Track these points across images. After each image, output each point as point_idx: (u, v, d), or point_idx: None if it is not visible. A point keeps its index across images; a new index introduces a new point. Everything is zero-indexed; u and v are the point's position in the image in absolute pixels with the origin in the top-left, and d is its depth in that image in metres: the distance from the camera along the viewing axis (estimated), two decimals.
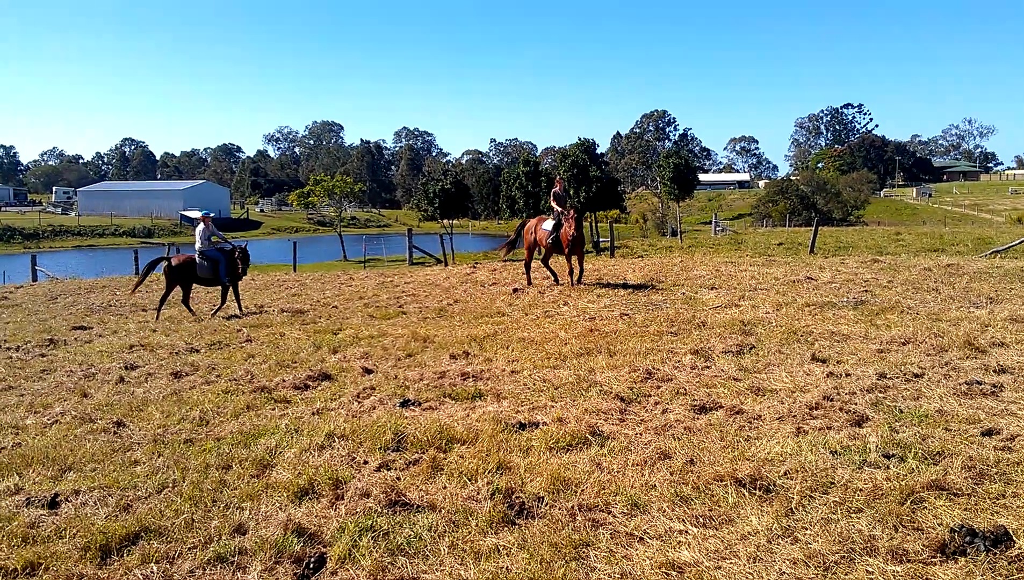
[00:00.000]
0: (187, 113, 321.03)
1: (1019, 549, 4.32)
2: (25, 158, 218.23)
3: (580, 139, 79.52)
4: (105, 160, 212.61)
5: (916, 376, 8.14)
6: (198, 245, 16.39)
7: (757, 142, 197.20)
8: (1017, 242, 26.31)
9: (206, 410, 7.94)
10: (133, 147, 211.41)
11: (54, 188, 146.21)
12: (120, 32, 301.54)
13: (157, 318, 15.66)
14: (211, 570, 4.56)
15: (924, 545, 4.43)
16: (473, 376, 9.03)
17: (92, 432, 7.37)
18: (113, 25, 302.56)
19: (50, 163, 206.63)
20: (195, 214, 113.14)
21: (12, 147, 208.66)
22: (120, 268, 37.17)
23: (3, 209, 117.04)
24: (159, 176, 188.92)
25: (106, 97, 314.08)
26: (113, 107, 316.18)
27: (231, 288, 16.53)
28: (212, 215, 17.40)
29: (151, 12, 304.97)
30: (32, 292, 22.55)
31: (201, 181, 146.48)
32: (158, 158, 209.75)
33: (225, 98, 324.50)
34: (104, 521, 5.21)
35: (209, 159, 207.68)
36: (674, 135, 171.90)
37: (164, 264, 16.46)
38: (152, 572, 4.54)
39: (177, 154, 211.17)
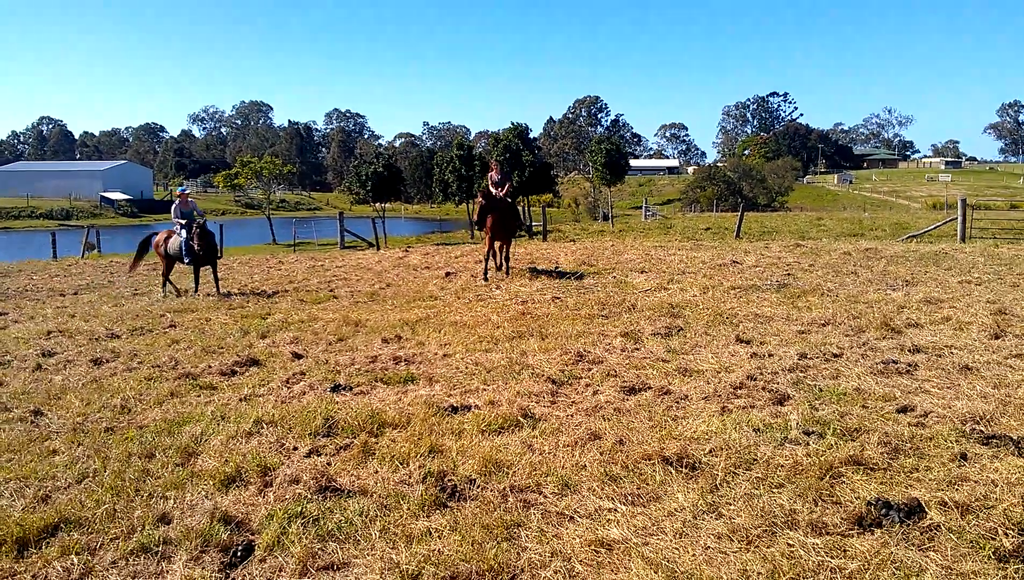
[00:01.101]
0: (108, 91, 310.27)
1: (931, 520, 4.52)
2: None
3: (513, 124, 79.59)
4: (21, 139, 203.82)
5: (835, 356, 8.43)
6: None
7: (687, 129, 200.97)
8: (932, 227, 27.38)
9: (128, 398, 7.70)
10: (51, 126, 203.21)
11: None
12: (37, 5, 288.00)
13: (164, 297, 15.71)
14: (134, 561, 4.45)
15: (842, 518, 4.60)
16: (405, 360, 8.99)
17: (8, 421, 7.08)
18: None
19: None
20: (117, 196, 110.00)
21: None
22: (37, 251, 35.76)
23: None
24: (78, 156, 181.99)
25: (22, 73, 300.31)
26: (30, 84, 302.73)
27: (210, 267, 16.17)
28: (188, 192, 16.86)
29: None
30: None
31: (122, 161, 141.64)
32: (77, 138, 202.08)
33: (148, 76, 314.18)
34: (21, 513, 5.02)
35: (131, 139, 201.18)
36: (606, 121, 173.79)
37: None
38: (72, 564, 4.40)
39: (97, 134, 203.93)
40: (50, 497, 5.34)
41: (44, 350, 10.17)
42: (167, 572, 4.33)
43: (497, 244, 16.91)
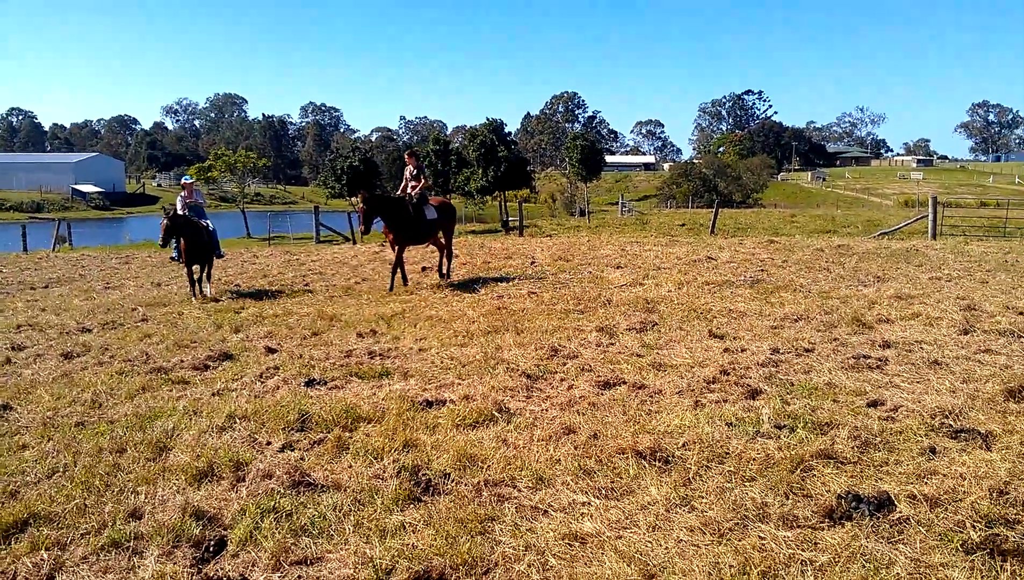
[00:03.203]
0: (80, 83, 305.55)
1: (900, 513, 4.59)
2: None
3: (488, 119, 79.49)
4: None
5: (807, 351, 8.52)
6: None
7: (663, 126, 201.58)
8: (903, 224, 27.73)
9: (99, 392, 7.62)
10: (21, 117, 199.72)
11: None
12: None
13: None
14: (105, 556, 4.41)
15: (813, 511, 4.65)
16: (380, 354, 8.97)
17: None
18: None
19: None
20: (89, 188, 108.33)
21: None
22: (7, 244, 35.15)
23: None
24: (49, 148, 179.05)
25: None
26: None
27: (206, 265, 14.71)
28: (189, 182, 15.17)
29: None
30: None
31: (94, 154, 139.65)
32: (48, 129, 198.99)
33: (121, 68, 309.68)
34: None
35: (103, 131, 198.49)
36: (583, 117, 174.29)
37: None
38: (42, 559, 4.34)
39: (68, 126, 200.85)
40: (19, 492, 5.28)
41: (14, 344, 10.02)
42: (138, 567, 4.29)
43: (400, 249, 14.70)
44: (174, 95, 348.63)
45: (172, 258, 15.05)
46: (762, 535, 4.38)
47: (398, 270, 14.80)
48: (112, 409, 7.14)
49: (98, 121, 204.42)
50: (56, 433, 6.48)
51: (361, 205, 14.11)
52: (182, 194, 14.94)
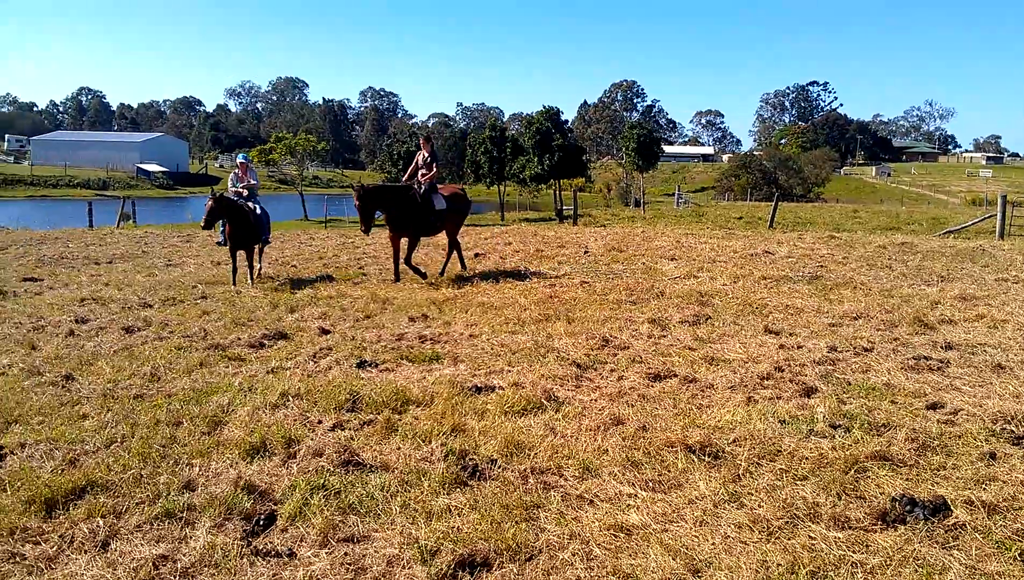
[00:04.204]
0: (147, 64, 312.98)
1: (956, 518, 4.46)
2: None
3: (545, 106, 78.99)
4: (61, 109, 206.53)
5: (866, 350, 8.32)
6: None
7: (723, 116, 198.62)
8: (970, 223, 26.87)
9: (158, 366, 7.82)
10: (90, 96, 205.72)
11: (6, 136, 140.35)
12: None
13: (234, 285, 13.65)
14: (158, 525, 4.52)
15: (866, 513, 4.55)
16: (431, 339, 9.02)
17: (40, 385, 7.22)
18: None
19: (2, 110, 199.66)
20: (154, 168, 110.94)
21: None
22: (74, 220, 36.23)
23: None
24: (116, 127, 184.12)
25: (63, 43, 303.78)
26: (70, 54, 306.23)
27: (250, 250, 14.01)
28: (245, 161, 14.72)
29: None
30: None
31: (159, 133, 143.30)
32: (115, 109, 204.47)
33: (187, 50, 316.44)
34: (50, 475, 5.13)
35: (168, 111, 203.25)
36: (642, 106, 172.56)
37: None
38: (98, 526, 4.48)
39: (135, 106, 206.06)
40: (79, 460, 5.44)
41: (77, 317, 10.33)
42: (190, 538, 4.39)
43: (403, 241, 13.85)
44: (238, 78, 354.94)
45: (218, 243, 14.74)
46: (812, 535, 4.30)
47: (421, 259, 14.22)
48: (170, 383, 7.32)
49: (164, 102, 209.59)
50: (115, 404, 6.67)
51: (356, 201, 13.03)
52: (236, 172, 14.60)
